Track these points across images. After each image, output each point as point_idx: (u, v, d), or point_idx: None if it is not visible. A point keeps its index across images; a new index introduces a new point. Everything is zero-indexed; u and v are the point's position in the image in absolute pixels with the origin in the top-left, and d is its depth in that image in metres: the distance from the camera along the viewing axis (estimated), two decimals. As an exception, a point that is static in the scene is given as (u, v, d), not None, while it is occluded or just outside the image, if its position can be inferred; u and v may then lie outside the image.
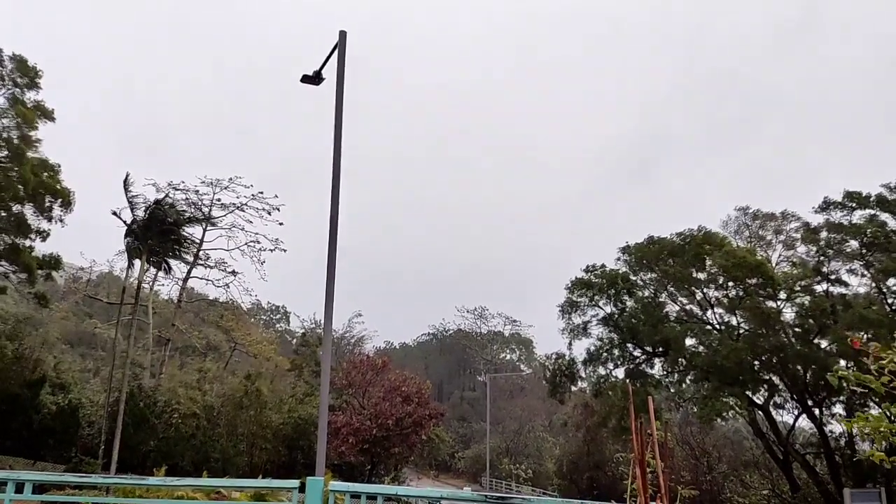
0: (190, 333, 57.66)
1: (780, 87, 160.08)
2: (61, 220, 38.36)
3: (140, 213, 35.16)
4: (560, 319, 41.44)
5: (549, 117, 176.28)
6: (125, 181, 34.56)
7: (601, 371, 41.29)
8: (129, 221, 35.09)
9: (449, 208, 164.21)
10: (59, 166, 38.22)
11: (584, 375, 42.60)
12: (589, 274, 41.23)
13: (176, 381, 45.54)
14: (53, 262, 39.53)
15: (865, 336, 30.47)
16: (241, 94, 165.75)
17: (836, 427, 37.82)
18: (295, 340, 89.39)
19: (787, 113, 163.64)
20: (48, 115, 37.89)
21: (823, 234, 36.40)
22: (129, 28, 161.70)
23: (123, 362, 36.23)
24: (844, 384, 5.54)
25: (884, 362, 5.35)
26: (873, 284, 35.42)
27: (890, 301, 34.49)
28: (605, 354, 40.49)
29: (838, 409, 36.46)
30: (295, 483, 8.04)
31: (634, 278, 40.73)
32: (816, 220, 37.33)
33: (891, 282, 34.76)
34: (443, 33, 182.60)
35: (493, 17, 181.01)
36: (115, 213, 35.08)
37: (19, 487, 7.49)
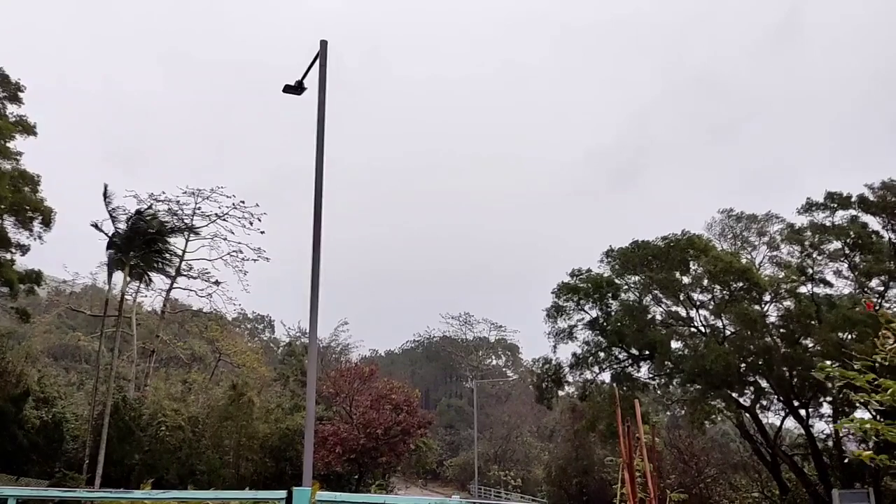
0: (174, 345, 57.28)
1: (762, 90, 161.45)
2: (40, 237, 38.06)
3: (121, 225, 34.97)
4: (546, 324, 41.45)
5: (534, 123, 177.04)
6: (104, 193, 34.38)
7: (588, 375, 41.34)
8: (110, 233, 34.87)
9: (434, 215, 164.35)
10: (40, 177, 37.91)
11: (570, 380, 42.63)
12: (575, 278, 41.25)
13: (161, 393, 45.13)
14: (35, 277, 39.18)
15: (850, 336, 30.67)
16: (226, 102, 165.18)
17: (823, 427, 38.00)
18: (280, 350, 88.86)
19: (770, 115, 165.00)
20: (30, 129, 37.59)
21: (807, 235, 36.58)
22: (110, 40, 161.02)
23: (108, 375, 35.93)
24: (829, 384, 5.55)
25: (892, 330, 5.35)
26: (857, 285, 35.67)
27: (874, 301, 34.72)
28: (591, 358, 40.48)
29: (825, 409, 36.65)
30: (282, 494, 7.94)
31: (619, 282, 40.78)
32: (800, 221, 37.55)
33: (874, 283, 35.02)
34: (431, 38, 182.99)
35: (480, 23, 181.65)
36: (95, 226, 34.85)
37: (2, 502, 7.37)
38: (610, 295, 40.40)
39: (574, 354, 41.07)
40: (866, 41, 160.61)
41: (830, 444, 37.51)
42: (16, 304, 40.25)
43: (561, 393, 46.17)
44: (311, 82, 15.52)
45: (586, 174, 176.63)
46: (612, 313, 40.06)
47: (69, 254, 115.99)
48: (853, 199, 35.44)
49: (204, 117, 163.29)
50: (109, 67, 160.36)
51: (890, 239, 34.90)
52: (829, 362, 31.23)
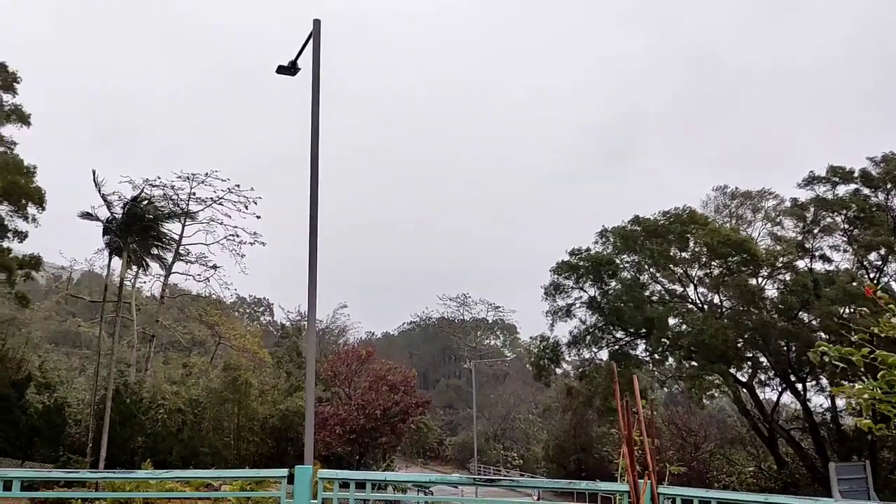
0: (174, 329, 57.36)
1: (757, 64, 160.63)
2: (35, 220, 37.92)
3: (117, 211, 34.88)
4: (544, 301, 41.56)
5: (527, 102, 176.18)
6: (94, 179, 34.18)
7: (585, 354, 41.51)
8: (106, 219, 34.74)
9: (430, 197, 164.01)
10: (35, 168, 37.65)
11: (568, 358, 42.83)
12: (574, 257, 41.28)
13: (161, 376, 45.30)
14: (33, 263, 39.06)
15: (848, 310, 30.77)
16: (219, 87, 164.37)
17: (821, 401, 38.23)
18: (279, 332, 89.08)
19: (765, 90, 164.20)
20: (24, 119, 37.49)
21: (808, 209, 36.54)
22: (101, 23, 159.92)
23: (108, 360, 36.01)
24: (826, 360, 5.58)
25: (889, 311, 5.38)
26: (856, 259, 35.72)
27: (872, 275, 34.80)
28: (588, 337, 40.63)
29: (823, 383, 36.83)
30: (284, 472, 8.02)
31: (618, 261, 40.82)
32: (800, 194, 37.42)
33: (873, 256, 35.07)
34: (417, 20, 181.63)
35: (466, 3, 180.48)
36: (87, 215, 34.52)
37: (7, 485, 7.44)
38: (608, 274, 40.45)
39: (571, 333, 41.28)
40: (864, 12, 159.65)
41: (828, 417, 37.76)
42: (14, 291, 40.18)
43: (559, 371, 46.44)
44: (304, 62, 15.53)
45: (580, 152, 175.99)
46: (610, 292, 40.13)
47: (64, 240, 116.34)
48: (855, 174, 35.39)
49: (198, 98, 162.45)
50: (99, 50, 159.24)
51: (891, 212, 34.89)
52: (826, 337, 31.47)
